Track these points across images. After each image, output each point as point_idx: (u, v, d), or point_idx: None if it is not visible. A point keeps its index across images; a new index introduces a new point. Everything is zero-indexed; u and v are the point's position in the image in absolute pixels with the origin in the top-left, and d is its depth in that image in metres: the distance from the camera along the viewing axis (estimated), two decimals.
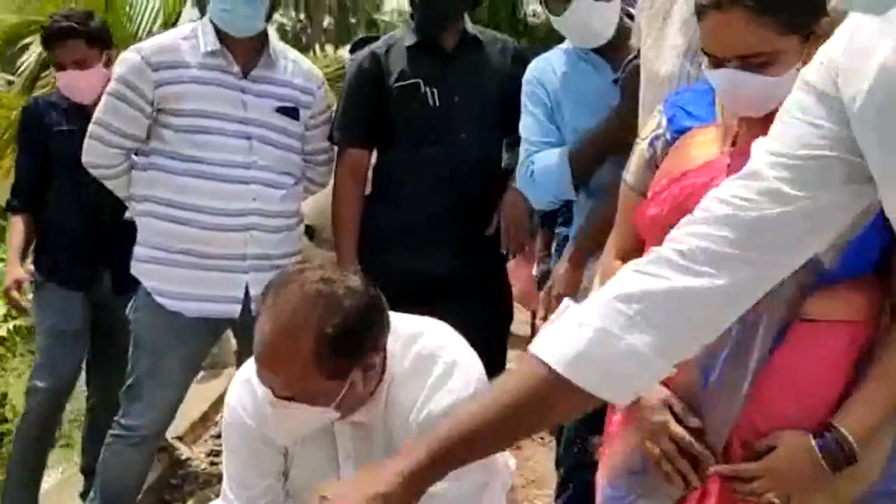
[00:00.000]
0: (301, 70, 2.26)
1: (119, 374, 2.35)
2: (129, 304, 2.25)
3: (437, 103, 2.24)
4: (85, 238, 2.53)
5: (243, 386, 1.54)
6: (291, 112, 2.21)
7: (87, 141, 2.18)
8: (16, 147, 2.91)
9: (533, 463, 3.04)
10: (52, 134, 2.53)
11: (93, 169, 2.21)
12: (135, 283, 2.24)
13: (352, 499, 1.01)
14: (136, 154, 2.20)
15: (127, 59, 2.13)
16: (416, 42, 2.27)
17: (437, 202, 2.27)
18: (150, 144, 2.16)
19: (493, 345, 2.31)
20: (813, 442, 1.15)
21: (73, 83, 2.48)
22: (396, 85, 2.24)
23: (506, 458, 1.77)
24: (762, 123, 1.20)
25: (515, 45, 2.46)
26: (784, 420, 1.19)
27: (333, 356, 1.33)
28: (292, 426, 1.44)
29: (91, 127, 2.17)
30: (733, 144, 1.23)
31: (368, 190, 2.38)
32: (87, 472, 2.72)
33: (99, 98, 2.23)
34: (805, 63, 1.05)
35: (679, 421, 1.23)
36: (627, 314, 0.92)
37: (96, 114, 2.17)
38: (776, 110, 1.16)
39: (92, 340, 2.67)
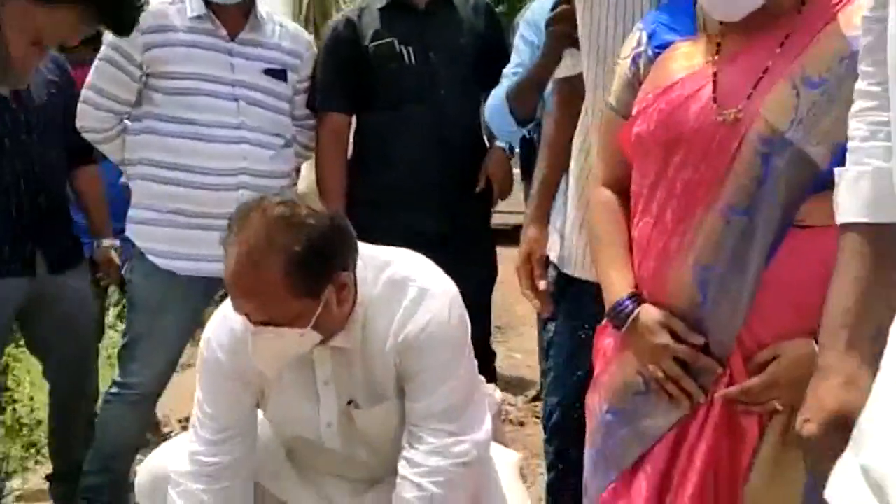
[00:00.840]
0: (288, 33, 2.31)
1: (77, 354, 2.40)
2: (125, 266, 2.31)
3: (414, 61, 2.30)
4: (17, 222, 2.30)
5: (221, 322, 1.59)
6: (279, 74, 2.26)
7: (79, 105, 2.22)
8: None
9: (535, 438, 3.09)
10: None
11: (86, 133, 2.26)
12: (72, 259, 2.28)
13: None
14: (129, 119, 2.25)
15: None
16: (388, 3, 2.33)
17: (422, 160, 2.32)
18: (142, 108, 2.21)
19: (480, 304, 2.36)
20: (815, 346, 1.08)
21: None
22: (372, 45, 2.30)
23: (490, 389, 1.81)
24: (743, 29, 1.23)
25: (486, 2, 2.50)
26: (785, 329, 1.19)
27: (303, 274, 1.38)
28: (275, 352, 1.47)
29: (83, 92, 2.22)
30: (716, 54, 1.24)
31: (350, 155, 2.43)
32: (60, 476, 2.57)
33: None
34: None
35: (680, 340, 1.24)
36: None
37: (88, 78, 2.22)
38: (756, 14, 1.20)
39: (32, 329, 2.51)
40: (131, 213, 2.25)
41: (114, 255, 2.62)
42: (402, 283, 1.53)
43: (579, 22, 1.63)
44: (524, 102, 2.06)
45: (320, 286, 1.41)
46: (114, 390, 2.30)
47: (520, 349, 4.17)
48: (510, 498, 1.68)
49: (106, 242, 2.61)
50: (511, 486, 1.71)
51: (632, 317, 1.28)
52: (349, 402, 1.58)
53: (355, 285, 1.50)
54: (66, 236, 2.44)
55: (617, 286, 1.32)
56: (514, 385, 3.66)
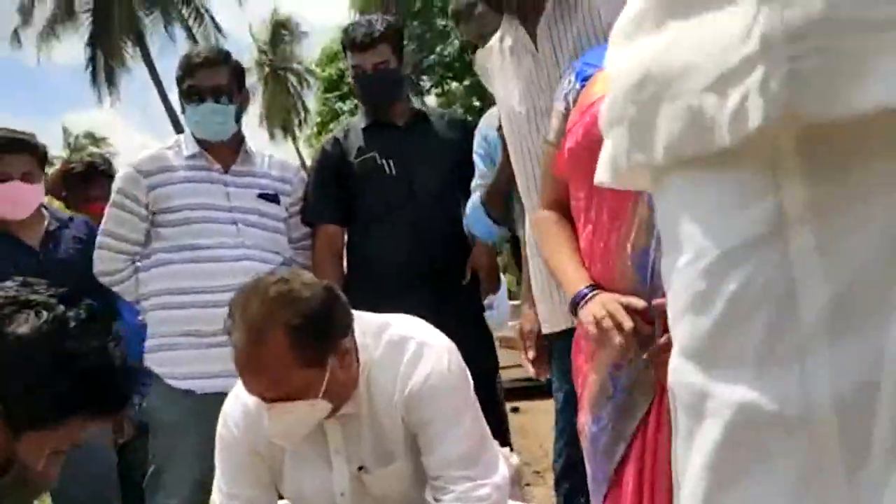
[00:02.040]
0: (276, 163, 2.55)
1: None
2: (142, 401, 2.39)
3: (395, 172, 2.50)
4: None
5: (234, 400, 1.65)
6: (272, 198, 2.47)
7: (95, 252, 2.42)
8: None
9: None
10: None
11: (102, 277, 2.43)
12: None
13: None
14: (140, 260, 2.43)
15: (123, 172, 2.44)
16: (370, 122, 2.57)
17: (407, 262, 2.46)
18: (151, 245, 2.40)
19: (488, 393, 2.42)
20: None
21: (14, 196, 2.45)
22: (357, 161, 2.52)
23: (507, 452, 1.85)
24: None
25: (461, 116, 2.75)
26: None
27: (306, 344, 1.44)
28: (290, 425, 1.51)
29: (98, 238, 2.42)
30: None
31: None
32: None
33: (29, 218, 2.45)
34: None
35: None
36: None
37: (102, 225, 2.43)
38: None
39: None
40: (147, 344, 2.38)
41: (132, 411, 2.69)
42: (401, 342, 1.60)
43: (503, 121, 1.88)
44: (496, 204, 2.29)
45: (324, 354, 1.47)
46: None
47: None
48: None
49: None
50: None
51: (587, 297, 1.38)
52: (360, 468, 1.61)
53: (356, 351, 1.57)
54: None
55: (574, 281, 1.42)
56: None
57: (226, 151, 2.45)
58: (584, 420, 1.47)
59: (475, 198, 2.33)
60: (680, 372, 0.72)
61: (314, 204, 2.53)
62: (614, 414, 1.39)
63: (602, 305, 1.34)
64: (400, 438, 1.59)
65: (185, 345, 2.31)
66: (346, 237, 2.59)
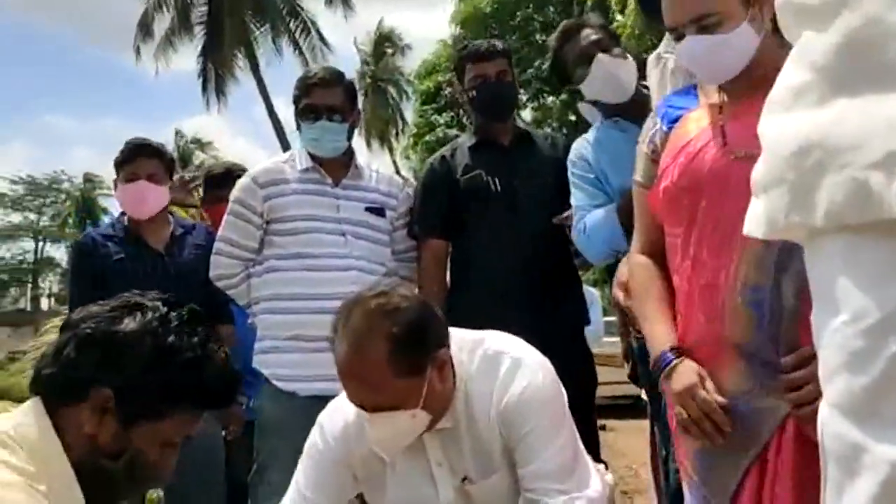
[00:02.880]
0: (384, 178, 2.66)
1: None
2: (250, 400, 2.52)
3: (499, 189, 2.55)
4: None
5: (335, 411, 1.71)
6: (379, 211, 2.57)
7: (212, 257, 2.57)
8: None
9: None
10: (109, 264, 2.61)
11: (217, 281, 2.57)
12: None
13: None
14: (254, 266, 2.56)
15: (241, 183, 2.58)
16: (476, 141, 2.63)
17: (509, 277, 2.50)
18: (264, 252, 2.53)
19: (584, 406, 2.43)
20: None
21: (141, 195, 2.61)
22: (463, 178, 2.59)
23: (602, 468, 1.86)
24: (736, 93, 1.42)
25: (563, 137, 2.79)
26: None
27: (405, 353, 1.50)
28: (391, 435, 1.57)
29: (216, 244, 2.57)
30: (720, 114, 1.44)
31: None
32: None
33: (155, 217, 2.61)
34: (752, 22, 1.29)
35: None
36: None
37: (219, 232, 2.58)
38: (743, 78, 1.39)
39: None
40: (257, 346, 2.51)
41: (238, 409, 2.83)
42: (496, 357, 1.64)
43: None
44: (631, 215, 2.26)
45: (422, 364, 1.53)
46: None
47: None
48: None
49: None
50: None
51: (671, 366, 1.42)
52: (463, 479, 1.65)
53: (453, 366, 1.62)
54: None
55: (660, 339, 1.46)
56: None
57: (337, 166, 2.56)
58: (683, 482, 1.51)
59: (601, 212, 2.28)
60: (833, 425, 0.75)
61: (421, 218, 2.61)
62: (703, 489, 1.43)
63: (688, 395, 1.39)
64: (499, 451, 1.63)
65: (292, 348, 2.43)
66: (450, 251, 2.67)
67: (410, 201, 2.65)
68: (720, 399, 1.36)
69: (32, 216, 36.32)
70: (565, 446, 1.63)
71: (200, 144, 31.26)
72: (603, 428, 5.65)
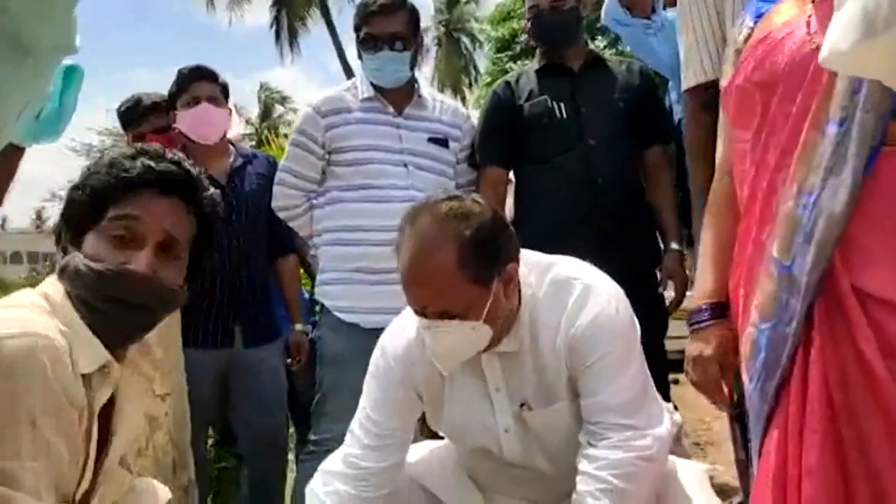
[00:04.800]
0: (449, 108, 2.57)
1: (270, 428, 2.53)
2: (314, 329, 2.52)
3: (565, 115, 2.45)
4: (219, 297, 2.54)
5: (397, 332, 1.68)
6: (442, 142, 2.50)
7: (274, 187, 2.55)
8: None
9: None
10: None
11: (280, 212, 2.56)
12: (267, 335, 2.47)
13: None
14: (316, 197, 2.54)
15: (303, 113, 2.55)
16: (543, 65, 2.52)
17: (573, 208, 2.40)
18: (326, 183, 2.49)
19: (653, 348, 2.33)
20: None
21: (205, 117, 2.58)
22: (527, 104, 2.49)
23: (670, 407, 1.78)
24: None
25: (641, 64, 2.63)
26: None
27: (474, 257, 1.44)
28: (450, 347, 1.51)
29: (278, 174, 2.55)
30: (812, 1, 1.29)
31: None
32: None
33: (216, 145, 2.59)
34: None
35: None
36: None
37: (281, 162, 2.55)
38: None
39: (230, 404, 2.65)
40: (319, 277, 2.50)
41: (304, 339, 2.86)
42: (567, 283, 1.57)
43: None
44: None
45: (490, 273, 1.47)
46: (308, 450, 2.44)
47: (721, 462, 4.09)
48: (697, 499, 1.61)
49: (298, 327, 2.85)
50: (697, 490, 1.65)
51: (702, 326, 1.41)
52: (521, 405, 1.60)
53: (520, 286, 1.56)
54: (263, 315, 2.70)
55: (703, 288, 1.42)
56: (718, 493, 3.52)
57: (400, 95, 2.49)
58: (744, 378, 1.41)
59: None
60: None
61: (481, 146, 2.53)
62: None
63: (700, 365, 1.41)
64: (563, 381, 1.56)
65: (355, 280, 2.40)
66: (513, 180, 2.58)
67: (475, 133, 2.57)
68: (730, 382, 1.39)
69: None
70: (634, 381, 1.56)
71: (282, 97, 31.55)
72: (675, 382, 5.54)
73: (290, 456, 2.94)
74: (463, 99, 26.99)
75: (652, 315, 2.47)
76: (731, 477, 3.70)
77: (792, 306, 1.20)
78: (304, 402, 2.68)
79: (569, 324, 1.53)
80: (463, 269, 1.44)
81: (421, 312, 1.52)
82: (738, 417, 2.01)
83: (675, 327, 2.74)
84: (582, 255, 2.30)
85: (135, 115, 2.72)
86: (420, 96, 2.52)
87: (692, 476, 1.68)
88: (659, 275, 2.47)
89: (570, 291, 1.55)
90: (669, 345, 2.61)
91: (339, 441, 2.37)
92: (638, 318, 1.89)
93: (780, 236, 1.22)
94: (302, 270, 3.10)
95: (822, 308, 1.19)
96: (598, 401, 1.52)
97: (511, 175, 2.59)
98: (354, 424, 1.69)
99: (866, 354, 1.15)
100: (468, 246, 1.44)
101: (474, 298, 1.47)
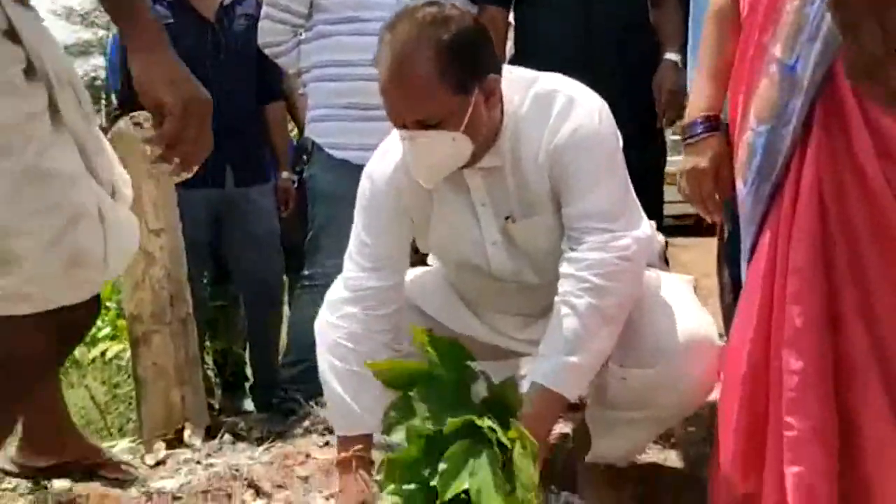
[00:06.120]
0: None
1: (263, 265, 2.57)
2: (305, 169, 2.52)
3: None
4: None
5: (382, 157, 1.67)
6: None
7: (260, 22, 2.48)
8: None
9: None
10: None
11: (266, 48, 2.50)
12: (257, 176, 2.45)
13: None
14: (303, 32, 2.47)
15: None
16: None
17: (575, 47, 2.34)
18: (314, 17, 2.42)
19: (648, 186, 2.34)
20: None
21: None
22: None
23: (654, 226, 1.78)
24: None
25: None
26: None
27: (453, 63, 1.43)
28: (431, 159, 1.51)
29: (263, 9, 2.47)
30: None
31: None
32: (262, 384, 2.78)
33: None
34: None
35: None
36: None
37: None
38: None
39: (223, 243, 2.71)
40: (309, 115, 2.47)
41: (291, 186, 2.85)
42: (549, 96, 1.55)
43: None
44: None
45: (470, 81, 1.46)
46: (302, 284, 2.50)
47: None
48: (682, 303, 1.63)
49: (285, 175, 2.85)
50: (679, 295, 1.66)
51: (696, 139, 1.43)
52: (507, 218, 1.61)
53: (502, 100, 1.54)
54: (254, 156, 2.69)
55: (700, 102, 1.42)
56: None
57: None
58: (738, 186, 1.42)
59: None
60: None
61: None
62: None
63: (694, 177, 1.44)
64: (545, 192, 1.57)
65: (346, 116, 2.38)
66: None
67: None
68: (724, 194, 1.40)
69: (102, 32, 36.13)
70: (615, 190, 1.56)
71: None
72: (665, 245, 5.58)
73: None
74: None
75: (650, 141, 2.46)
76: (717, 327, 3.84)
77: (791, 108, 1.20)
78: (294, 248, 2.72)
79: (551, 136, 1.52)
80: (441, 74, 1.43)
81: (401, 123, 1.51)
82: (726, 258, 2.06)
83: (667, 192, 2.72)
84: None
85: None
86: None
87: (676, 283, 1.71)
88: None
89: (553, 104, 1.54)
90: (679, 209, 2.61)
91: (333, 276, 2.43)
92: (637, 143, 1.87)
93: (784, 36, 1.21)
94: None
95: (821, 111, 1.19)
96: (579, 207, 1.53)
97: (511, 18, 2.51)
98: (350, 251, 1.71)
99: (860, 158, 1.16)
100: (446, 51, 1.43)
101: (454, 106, 1.46)
